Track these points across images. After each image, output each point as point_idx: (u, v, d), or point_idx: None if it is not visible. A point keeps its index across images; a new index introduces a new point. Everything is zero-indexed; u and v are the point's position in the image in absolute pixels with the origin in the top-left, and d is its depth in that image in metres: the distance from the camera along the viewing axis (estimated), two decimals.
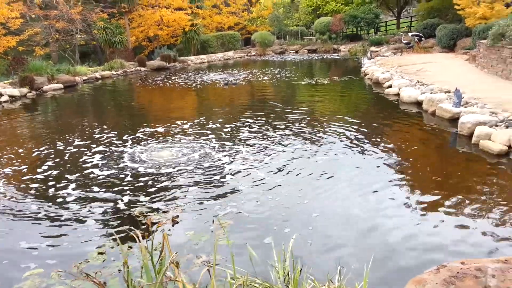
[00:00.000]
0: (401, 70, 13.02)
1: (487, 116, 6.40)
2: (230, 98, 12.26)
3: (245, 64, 24.18)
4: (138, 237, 2.52)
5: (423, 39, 19.87)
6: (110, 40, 23.24)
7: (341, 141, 6.47)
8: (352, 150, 5.99)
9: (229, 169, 5.33)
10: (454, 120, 7.06)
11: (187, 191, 4.68)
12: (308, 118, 8.32)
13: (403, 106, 9.12)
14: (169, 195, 4.59)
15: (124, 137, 7.41)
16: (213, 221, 3.87)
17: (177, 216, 3.99)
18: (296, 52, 31.36)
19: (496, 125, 6.11)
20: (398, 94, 10.02)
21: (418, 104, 8.79)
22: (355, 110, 9.23)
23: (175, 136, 7.32)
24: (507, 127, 5.91)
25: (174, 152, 6.21)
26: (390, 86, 11.01)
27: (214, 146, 6.48)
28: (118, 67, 19.34)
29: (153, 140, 7.07)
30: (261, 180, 4.92)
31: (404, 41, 20.55)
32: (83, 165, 5.85)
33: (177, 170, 5.37)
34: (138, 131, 7.84)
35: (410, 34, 20.53)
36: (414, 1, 35.35)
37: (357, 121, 7.80)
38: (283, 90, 13.12)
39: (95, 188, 4.90)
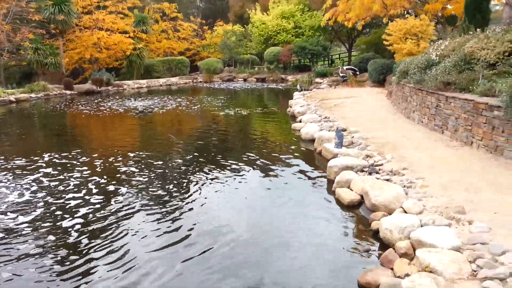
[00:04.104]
0: (321, 104, 12.72)
1: (357, 160, 5.93)
2: (128, 129, 11.36)
3: (185, 90, 23.55)
4: None
5: (357, 73, 20.00)
6: (42, 61, 22.07)
7: (202, 181, 5.78)
8: (210, 192, 5.30)
9: (73, 232, 4.45)
10: None
11: None
12: (198, 151, 7.64)
13: (302, 143, 8.62)
14: None
15: None
16: None
17: None
18: (245, 80, 31.15)
19: (363, 170, 5.63)
20: None
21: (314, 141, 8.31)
22: (250, 145, 8.63)
23: (26, 173, 6.39)
24: (370, 173, 5.42)
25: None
26: (301, 121, 10.59)
27: (70, 190, 5.62)
28: (39, 89, 18.13)
29: None
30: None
31: (341, 74, 20.65)
32: None
33: None
34: None
35: (345, 67, 20.66)
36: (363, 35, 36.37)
37: (238, 158, 7.18)
38: (193, 121, 12.44)
39: None
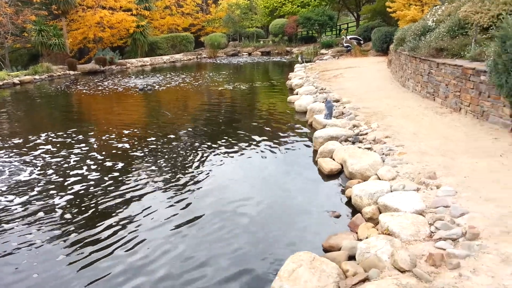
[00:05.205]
0: (320, 76, 12.62)
1: (342, 130, 5.95)
2: (125, 107, 11.37)
3: (188, 67, 23.50)
4: None
5: (361, 42, 19.64)
6: (46, 43, 22.19)
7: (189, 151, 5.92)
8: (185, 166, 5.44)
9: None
10: None
11: None
12: (193, 126, 7.76)
13: (296, 115, 8.65)
14: None
15: None
16: None
17: None
18: (249, 54, 30.83)
19: (347, 140, 5.67)
20: None
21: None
22: (243, 119, 8.70)
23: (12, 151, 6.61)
24: (353, 143, 5.46)
25: None
26: (297, 93, 10.57)
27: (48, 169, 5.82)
28: (43, 71, 18.32)
29: None
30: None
31: (345, 44, 20.29)
32: None
33: None
34: None
35: (348, 37, 20.28)
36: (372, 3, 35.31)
37: (231, 132, 7.28)
38: (191, 97, 12.51)
39: None
